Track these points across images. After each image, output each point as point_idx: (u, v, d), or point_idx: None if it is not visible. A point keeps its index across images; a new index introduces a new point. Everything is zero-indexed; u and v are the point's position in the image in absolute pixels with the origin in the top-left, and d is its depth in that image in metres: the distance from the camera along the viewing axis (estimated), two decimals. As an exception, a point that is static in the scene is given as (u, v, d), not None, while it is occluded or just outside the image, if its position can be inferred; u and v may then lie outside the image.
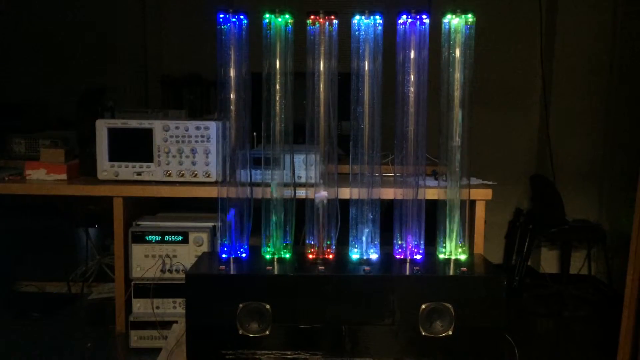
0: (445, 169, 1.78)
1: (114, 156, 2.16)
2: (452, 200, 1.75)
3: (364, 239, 1.75)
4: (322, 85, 1.72)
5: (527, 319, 3.25)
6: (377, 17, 1.69)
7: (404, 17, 1.70)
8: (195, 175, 2.14)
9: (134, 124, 2.15)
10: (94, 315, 2.26)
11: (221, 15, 1.70)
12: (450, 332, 1.59)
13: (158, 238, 2.05)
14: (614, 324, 2.13)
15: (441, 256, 1.75)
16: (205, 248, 2.04)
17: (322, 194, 1.71)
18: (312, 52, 1.72)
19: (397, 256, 1.76)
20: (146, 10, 4.57)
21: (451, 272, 1.67)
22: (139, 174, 2.16)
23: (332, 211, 1.77)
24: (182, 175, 2.14)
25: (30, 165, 2.28)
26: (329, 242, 1.76)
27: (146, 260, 2.04)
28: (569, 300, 3.43)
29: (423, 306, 1.59)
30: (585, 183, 4.10)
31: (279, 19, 1.70)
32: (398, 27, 1.72)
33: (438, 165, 1.88)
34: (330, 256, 1.75)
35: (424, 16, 1.69)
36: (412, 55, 1.70)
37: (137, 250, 2.05)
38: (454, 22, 1.69)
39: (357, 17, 1.69)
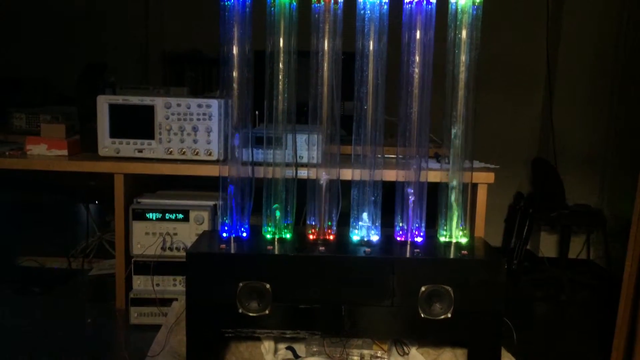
0: (448, 152, 1.77)
1: (115, 133, 2.15)
2: (454, 183, 1.75)
3: (364, 220, 1.75)
4: (325, 65, 1.70)
5: (525, 302, 3.27)
6: (383, -5, 1.67)
7: (411, -4, 1.67)
8: (197, 154, 2.13)
9: (135, 100, 2.13)
10: (94, 291, 2.27)
11: (225, -8, 1.68)
12: (449, 315, 1.59)
13: (159, 216, 2.05)
14: (611, 309, 2.14)
15: (442, 239, 1.75)
16: (205, 227, 2.04)
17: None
18: (316, 31, 1.70)
19: (398, 238, 1.76)
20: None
21: (451, 255, 1.67)
22: (140, 151, 2.15)
23: (333, 192, 1.76)
24: (184, 153, 2.13)
25: (31, 140, 2.27)
26: (330, 223, 1.76)
27: (147, 238, 2.05)
28: (567, 285, 3.44)
29: (423, 288, 1.59)
30: (586, 168, 4.10)
31: (284, -3, 1.67)
32: (404, 6, 1.69)
33: (441, 148, 1.87)
34: (331, 237, 1.75)
35: (430, -4, 1.66)
36: (418, 35, 1.68)
37: (137, 227, 2.05)
38: (461, 2, 1.67)
39: (363, -5, 1.67)
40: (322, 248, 1.68)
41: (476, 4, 1.67)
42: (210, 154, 2.13)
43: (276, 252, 1.66)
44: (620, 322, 2.09)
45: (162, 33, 4.57)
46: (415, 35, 1.68)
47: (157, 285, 2.06)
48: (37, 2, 4.31)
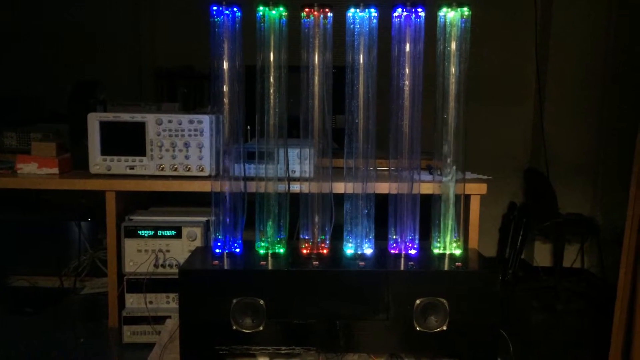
0: (440, 163, 1.77)
1: (107, 150, 2.14)
2: (446, 194, 1.75)
3: (358, 233, 1.75)
4: (316, 79, 1.70)
5: (520, 312, 3.26)
6: (372, 10, 1.68)
7: (399, 10, 1.68)
8: (189, 170, 2.12)
9: (126, 117, 2.13)
10: (87, 310, 2.25)
11: (214, 8, 1.68)
12: (444, 327, 1.59)
13: (151, 233, 2.03)
14: (606, 317, 2.14)
15: (436, 251, 1.75)
16: (198, 243, 2.03)
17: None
18: (306, 45, 1.71)
19: (392, 251, 1.75)
20: (139, 2, 4.54)
21: (446, 267, 1.66)
22: (131, 168, 2.14)
23: (326, 206, 1.76)
24: (176, 170, 2.12)
25: (21, 159, 2.25)
26: (323, 237, 1.76)
27: (139, 255, 2.03)
28: (562, 294, 3.45)
29: (418, 301, 1.59)
30: (579, 177, 4.12)
31: (273, 12, 1.68)
32: (393, 20, 1.70)
33: (433, 160, 1.87)
34: (325, 251, 1.75)
35: (419, 9, 1.68)
36: (407, 48, 1.69)
37: (129, 245, 2.03)
38: (450, 15, 1.68)
39: (352, 10, 1.68)
40: (316, 262, 1.67)
41: (464, 17, 1.68)
42: (202, 170, 2.12)
43: (270, 267, 1.66)
44: (616, 330, 2.09)
45: (154, 49, 4.58)
46: (404, 48, 1.69)
47: (150, 303, 2.04)
48: (28, 20, 4.32)
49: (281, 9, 1.68)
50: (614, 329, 2.09)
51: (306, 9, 1.68)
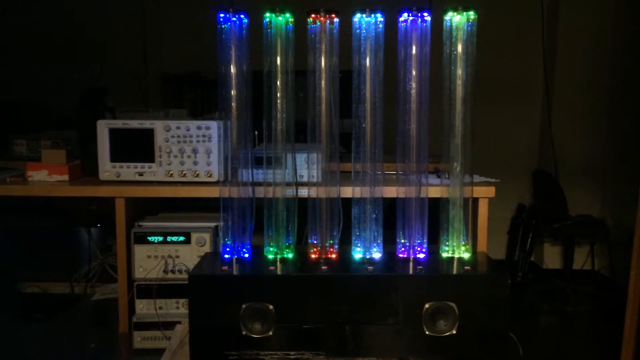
0: (448, 167, 1.77)
1: (116, 157, 2.15)
2: (454, 198, 1.75)
3: (366, 237, 1.75)
4: (323, 83, 1.71)
5: (530, 314, 3.24)
6: (378, 15, 1.68)
7: (405, 14, 1.69)
8: (197, 175, 2.13)
9: (135, 124, 2.14)
10: (98, 316, 2.27)
11: (221, 15, 1.70)
12: (454, 331, 1.58)
13: (160, 239, 2.04)
14: (617, 319, 2.13)
15: (444, 255, 1.75)
16: (207, 248, 2.04)
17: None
18: (313, 51, 1.71)
19: (400, 255, 1.75)
20: (145, 8, 4.56)
21: (455, 271, 1.66)
22: (140, 174, 2.15)
23: (334, 210, 1.76)
24: (184, 176, 2.13)
25: (32, 166, 2.28)
26: (331, 242, 1.76)
27: (149, 261, 2.04)
28: (573, 296, 3.42)
29: (427, 305, 1.59)
30: (587, 178, 4.09)
31: (280, 18, 1.69)
32: (399, 24, 1.71)
33: (440, 163, 1.87)
34: (333, 256, 1.75)
35: (425, 14, 1.68)
36: (414, 52, 1.69)
37: (139, 251, 2.04)
38: (456, 19, 1.68)
39: (358, 15, 1.69)
40: (324, 267, 1.67)
41: (470, 20, 1.68)
42: (210, 176, 2.13)
43: (279, 272, 1.66)
44: (627, 332, 2.07)
45: (160, 55, 4.60)
46: (411, 53, 1.69)
47: (160, 308, 2.05)
48: (35, 26, 4.35)
49: (287, 15, 1.69)
50: (625, 331, 2.07)
51: (312, 15, 1.69)
